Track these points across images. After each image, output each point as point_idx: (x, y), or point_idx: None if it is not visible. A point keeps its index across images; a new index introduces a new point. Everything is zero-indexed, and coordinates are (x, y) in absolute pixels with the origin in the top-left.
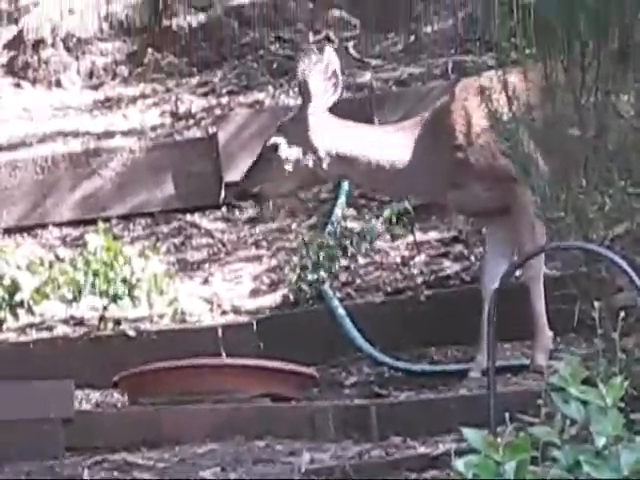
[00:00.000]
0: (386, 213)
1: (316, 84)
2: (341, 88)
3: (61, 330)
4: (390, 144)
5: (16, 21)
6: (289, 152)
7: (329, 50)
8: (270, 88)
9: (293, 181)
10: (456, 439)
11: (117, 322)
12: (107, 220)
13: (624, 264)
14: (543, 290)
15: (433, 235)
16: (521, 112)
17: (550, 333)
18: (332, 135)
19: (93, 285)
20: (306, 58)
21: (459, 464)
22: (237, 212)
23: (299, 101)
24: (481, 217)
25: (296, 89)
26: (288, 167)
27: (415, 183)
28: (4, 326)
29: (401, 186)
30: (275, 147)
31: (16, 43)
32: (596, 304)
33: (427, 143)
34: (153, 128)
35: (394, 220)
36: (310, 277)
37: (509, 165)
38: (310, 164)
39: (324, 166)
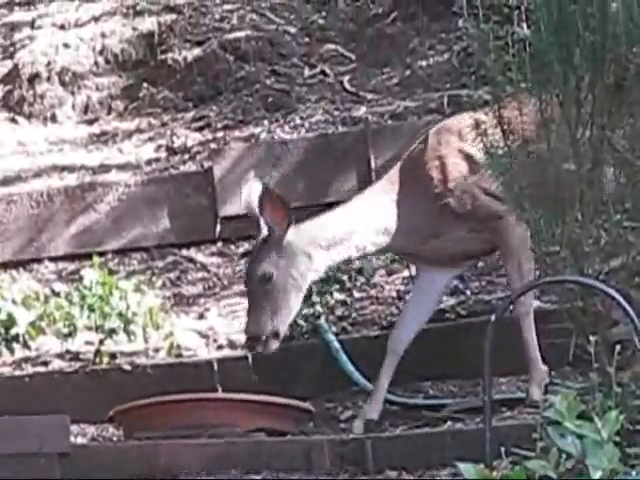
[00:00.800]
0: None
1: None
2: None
3: (57, 364)
4: (367, 213)
5: (11, 55)
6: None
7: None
8: (266, 122)
9: (298, 294)
10: (452, 473)
11: (113, 356)
12: (102, 254)
13: (620, 298)
14: (534, 324)
15: None
16: (516, 146)
17: (544, 367)
18: (310, 235)
19: (89, 319)
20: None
21: None
22: (232, 246)
23: (295, 135)
24: (457, 262)
25: (291, 124)
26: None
27: (402, 241)
28: (0, 361)
29: (393, 246)
30: (267, 276)
31: (11, 78)
32: (592, 338)
33: (405, 197)
34: (148, 162)
35: (391, 256)
36: (306, 311)
37: (492, 203)
38: (303, 270)
39: (315, 264)
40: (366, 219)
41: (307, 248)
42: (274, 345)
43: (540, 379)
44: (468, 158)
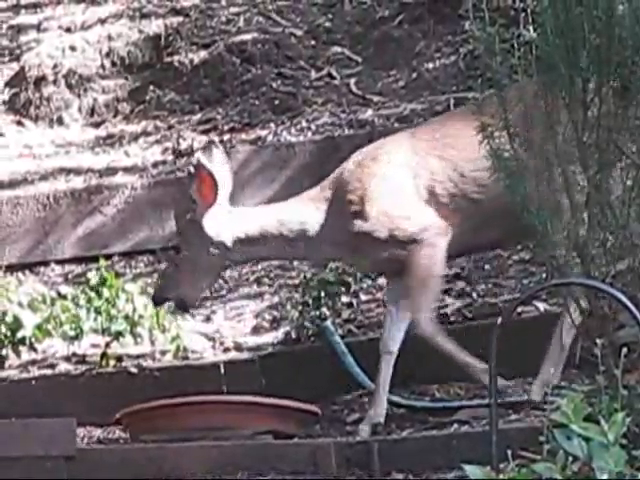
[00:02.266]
0: None
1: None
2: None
3: (63, 367)
4: (294, 217)
5: (18, 58)
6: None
7: (217, 151)
8: (272, 125)
9: (207, 276)
10: (459, 476)
11: (119, 359)
12: (109, 257)
13: (626, 300)
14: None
15: None
16: (522, 149)
17: (552, 370)
18: (235, 224)
19: (95, 322)
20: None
21: None
22: None
23: (301, 138)
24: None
25: (298, 126)
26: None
27: (322, 250)
28: (6, 363)
29: (313, 254)
30: (177, 248)
31: (18, 80)
32: (598, 341)
33: (328, 211)
34: (155, 165)
35: None
36: (312, 314)
37: (409, 227)
38: (216, 256)
39: (231, 254)
40: (289, 223)
41: (226, 236)
42: (182, 310)
43: (546, 380)
44: (388, 182)
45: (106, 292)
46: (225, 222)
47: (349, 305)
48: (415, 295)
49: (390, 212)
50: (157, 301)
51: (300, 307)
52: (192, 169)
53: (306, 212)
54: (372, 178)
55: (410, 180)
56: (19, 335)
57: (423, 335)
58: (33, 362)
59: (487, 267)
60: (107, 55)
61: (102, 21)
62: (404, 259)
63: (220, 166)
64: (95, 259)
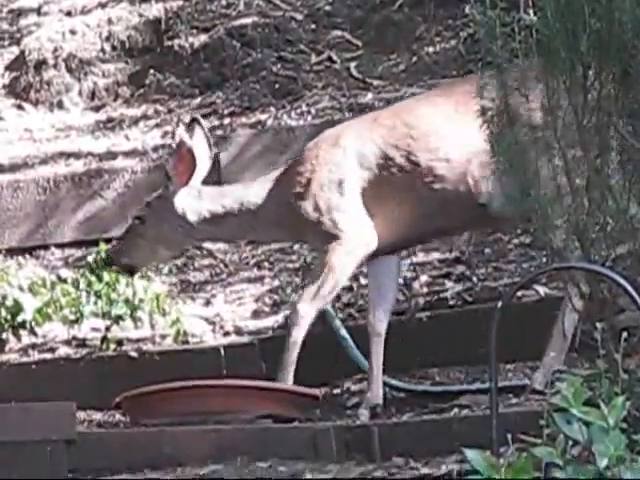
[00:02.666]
0: None
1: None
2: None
3: (63, 351)
4: (250, 196)
5: (18, 42)
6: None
7: (199, 129)
8: (272, 109)
9: (165, 250)
10: (459, 460)
11: (119, 343)
12: (109, 241)
13: (626, 284)
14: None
15: (435, 256)
16: (523, 133)
17: (552, 354)
18: (202, 204)
19: (95, 306)
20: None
21: None
22: None
23: (301, 122)
24: None
25: (298, 110)
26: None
27: (272, 232)
28: (6, 347)
29: (263, 234)
30: (141, 220)
31: (18, 64)
32: (598, 325)
33: (277, 189)
34: (155, 149)
35: None
36: None
37: (340, 223)
38: (180, 233)
39: (195, 233)
40: (248, 203)
41: (192, 216)
42: (128, 273)
43: (549, 367)
44: (337, 171)
45: (106, 276)
46: (194, 202)
47: (349, 289)
48: (311, 285)
49: (330, 202)
50: (111, 263)
51: (300, 291)
52: (174, 145)
53: (262, 192)
54: (324, 164)
55: (360, 174)
56: (19, 319)
57: (290, 323)
58: (33, 346)
59: (487, 251)
60: (107, 39)
61: (102, 5)
62: (321, 250)
63: (199, 144)
64: (95, 243)
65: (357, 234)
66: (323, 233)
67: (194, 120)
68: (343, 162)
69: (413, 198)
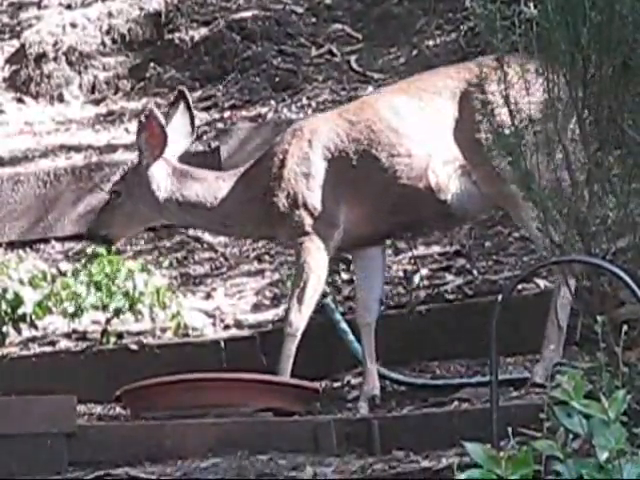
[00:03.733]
0: None
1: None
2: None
3: (63, 344)
4: (222, 188)
5: (18, 35)
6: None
7: (183, 105)
8: (272, 102)
9: (138, 224)
10: (459, 453)
11: (119, 336)
12: None
13: (627, 278)
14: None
15: (436, 249)
16: (523, 126)
17: (552, 346)
18: (173, 183)
19: (96, 299)
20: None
21: (462, 478)
22: None
23: (302, 115)
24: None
25: (298, 103)
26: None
27: (246, 225)
28: (7, 340)
29: (236, 229)
30: (118, 193)
31: (18, 57)
32: (599, 318)
33: (247, 184)
34: None
35: None
36: None
37: (308, 217)
38: (151, 210)
39: (164, 212)
40: (219, 195)
41: (161, 192)
42: (106, 245)
43: (549, 360)
44: (308, 165)
45: (107, 269)
46: (165, 178)
47: (349, 282)
48: (294, 288)
49: (298, 195)
50: (90, 237)
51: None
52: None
53: (228, 187)
54: (293, 158)
55: (326, 167)
56: (19, 312)
57: (285, 328)
58: (33, 339)
59: (487, 244)
60: (107, 32)
61: None
62: (293, 247)
63: (180, 119)
64: None
65: (325, 229)
66: (293, 227)
67: (180, 93)
68: (310, 156)
69: (375, 193)
